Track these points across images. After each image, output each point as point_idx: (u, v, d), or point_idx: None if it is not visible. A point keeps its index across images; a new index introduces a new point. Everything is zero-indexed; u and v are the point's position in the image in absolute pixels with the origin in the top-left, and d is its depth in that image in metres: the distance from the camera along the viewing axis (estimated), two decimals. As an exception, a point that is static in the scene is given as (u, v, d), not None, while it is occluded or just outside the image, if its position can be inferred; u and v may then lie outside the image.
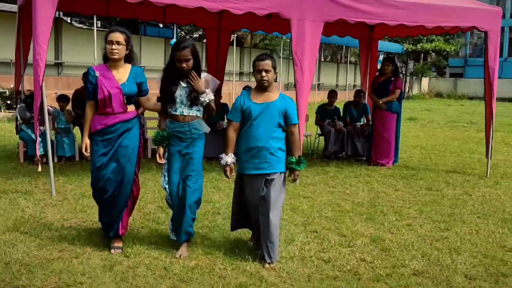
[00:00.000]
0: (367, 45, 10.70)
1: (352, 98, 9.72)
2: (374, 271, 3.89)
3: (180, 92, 4.09)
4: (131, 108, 4.19)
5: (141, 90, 4.25)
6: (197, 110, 4.15)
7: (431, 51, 36.00)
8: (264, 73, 3.94)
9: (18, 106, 8.60)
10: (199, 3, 6.39)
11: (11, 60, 17.37)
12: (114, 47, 4.03)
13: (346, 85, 31.78)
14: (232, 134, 4.04)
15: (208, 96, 4.06)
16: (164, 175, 4.19)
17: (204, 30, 10.87)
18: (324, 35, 10.81)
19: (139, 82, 4.20)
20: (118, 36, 4.06)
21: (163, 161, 4.18)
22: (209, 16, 8.60)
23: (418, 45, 34.85)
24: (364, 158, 9.12)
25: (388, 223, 5.19)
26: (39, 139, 6.23)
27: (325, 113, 9.62)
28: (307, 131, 10.02)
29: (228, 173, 4.04)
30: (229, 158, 4.02)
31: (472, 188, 7.02)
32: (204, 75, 4.16)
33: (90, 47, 16.90)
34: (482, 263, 4.13)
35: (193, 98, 4.05)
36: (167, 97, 4.11)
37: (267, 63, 3.95)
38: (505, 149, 11.44)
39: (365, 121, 9.58)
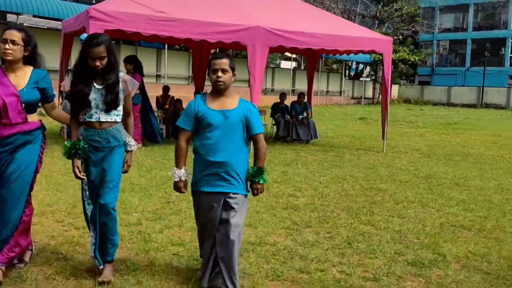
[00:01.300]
0: (312, 60, 14.58)
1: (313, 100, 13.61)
2: (275, 180, 7.67)
3: (95, 95, 3.58)
4: (33, 117, 3.70)
5: (46, 96, 3.76)
6: (116, 115, 3.67)
7: (397, 61, 39.94)
8: (220, 73, 3.42)
9: (63, 101, 12.26)
10: (188, 35, 10.16)
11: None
12: (8, 46, 3.53)
13: (318, 90, 35.66)
14: (183, 144, 3.52)
15: (132, 147, 3.76)
16: (85, 189, 3.73)
17: (192, 49, 14.55)
18: (280, 53, 14.76)
19: (42, 87, 3.69)
20: (14, 34, 3.56)
21: (83, 175, 3.66)
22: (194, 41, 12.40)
23: (385, 56, 38.62)
24: (305, 141, 12.95)
25: (296, 167, 9.03)
26: None
27: (277, 109, 13.50)
28: (264, 122, 13.94)
29: (182, 189, 3.54)
30: (181, 172, 3.50)
31: (364, 156, 10.84)
32: (121, 75, 3.69)
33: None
34: (335, 180, 7.97)
35: (110, 101, 3.57)
36: (79, 101, 3.58)
37: (224, 62, 3.44)
38: (416, 139, 15.34)
39: (305, 114, 13.41)
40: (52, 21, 21.78)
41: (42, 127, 3.77)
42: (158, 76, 25.43)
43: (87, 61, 3.54)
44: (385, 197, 6.81)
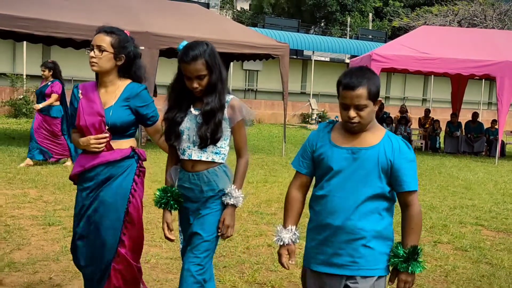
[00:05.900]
0: None
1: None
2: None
3: (189, 124, 2.67)
4: (122, 144, 2.87)
5: (143, 118, 2.91)
6: (215, 153, 2.68)
7: None
8: (352, 112, 2.22)
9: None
10: (446, 70, 13.06)
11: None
12: (93, 54, 2.79)
13: None
14: (295, 194, 2.42)
15: (233, 200, 2.65)
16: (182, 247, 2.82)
17: (450, 77, 17.01)
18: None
19: (134, 106, 2.86)
20: (101, 39, 2.79)
21: (172, 236, 2.73)
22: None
23: None
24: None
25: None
26: None
27: None
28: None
29: (284, 259, 2.36)
30: (287, 234, 2.36)
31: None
32: (229, 98, 2.69)
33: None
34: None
35: (204, 133, 2.60)
36: (170, 131, 2.70)
37: (358, 94, 2.18)
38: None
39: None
40: (333, 54, 26.51)
41: (135, 156, 2.92)
42: (424, 100, 28.18)
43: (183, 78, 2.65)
44: None
